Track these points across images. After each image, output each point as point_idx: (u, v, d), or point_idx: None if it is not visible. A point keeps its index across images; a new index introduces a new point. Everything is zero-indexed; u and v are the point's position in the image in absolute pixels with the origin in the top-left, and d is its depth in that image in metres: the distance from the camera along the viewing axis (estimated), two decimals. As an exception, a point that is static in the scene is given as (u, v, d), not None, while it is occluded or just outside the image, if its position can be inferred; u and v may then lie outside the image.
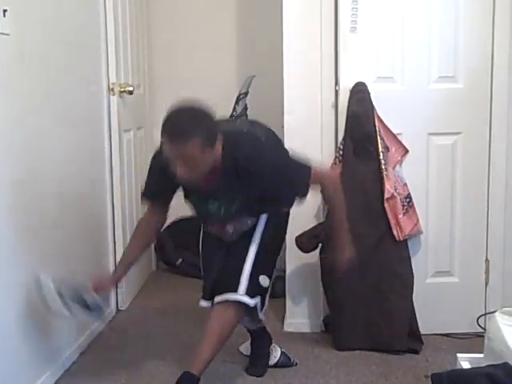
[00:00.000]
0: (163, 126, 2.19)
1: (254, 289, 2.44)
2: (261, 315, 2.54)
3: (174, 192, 2.51)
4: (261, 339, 2.79)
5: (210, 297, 2.52)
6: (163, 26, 4.34)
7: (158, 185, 2.48)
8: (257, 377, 2.69)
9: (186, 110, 2.24)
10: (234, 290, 2.41)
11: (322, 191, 2.50)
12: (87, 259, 3.09)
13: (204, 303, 2.59)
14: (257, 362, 2.76)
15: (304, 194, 2.42)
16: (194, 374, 2.32)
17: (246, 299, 2.41)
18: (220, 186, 2.36)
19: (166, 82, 4.32)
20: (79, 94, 3.02)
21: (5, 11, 2.19)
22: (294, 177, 2.41)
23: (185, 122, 2.18)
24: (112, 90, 3.39)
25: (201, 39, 4.28)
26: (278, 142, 2.58)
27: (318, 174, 2.45)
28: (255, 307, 2.46)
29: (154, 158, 2.48)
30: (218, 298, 2.44)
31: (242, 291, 2.41)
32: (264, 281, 2.48)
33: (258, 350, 2.78)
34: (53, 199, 2.67)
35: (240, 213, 2.47)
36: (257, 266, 2.47)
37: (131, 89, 3.53)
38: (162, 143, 2.24)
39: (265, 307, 2.55)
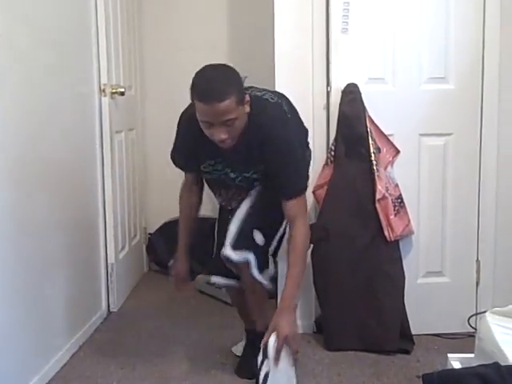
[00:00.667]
0: (196, 89, 2.19)
1: (242, 242, 2.46)
2: (259, 277, 2.51)
3: (197, 159, 2.52)
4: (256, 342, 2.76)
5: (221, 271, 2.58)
6: (154, 26, 4.35)
7: (188, 152, 2.50)
8: (248, 379, 2.67)
9: (216, 69, 2.25)
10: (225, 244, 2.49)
11: (290, 238, 2.43)
12: (78, 260, 3.08)
13: (217, 279, 2.65)
14: (248, 364, 2.73)
15: (299, 193, 2.42)
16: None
17: (229, 251, 2.44)
18: (241, 150, 2.35)
19: (157, 83, 4.34)
20: (70, 95, 3.01)
21: None
22: (303, 170, 2.45)
23: (219, 81, 2.19)
24: (103, 91, 3.38)
25: (192, 39, 4.29)
26: (300, 125, 2.60)
27: (304, 204, 2.45)
28: (248, 263, 2.46)
29: (182, 122, 2.49)
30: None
31: (228, 243, 2.46)
32: (258, 236, 2.49)
33: (250, 352, 2.76)
34: (43, 200, 2.66)
35: (253, 184, 2.48)
36: (248, 220, 2.49)
37: (123, 90, 3.53)
38: (190, 112, 2.29)
39: (268, 272, 2.55)
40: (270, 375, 2.25)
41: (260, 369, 2.30)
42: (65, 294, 2.89)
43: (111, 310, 3.52)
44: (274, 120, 2.38)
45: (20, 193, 2.46)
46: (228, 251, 2.46)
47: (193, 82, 2.22)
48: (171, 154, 2.61)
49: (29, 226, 2.52)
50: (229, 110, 2.17)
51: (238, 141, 2.32)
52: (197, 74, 2.24)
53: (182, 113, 2.51)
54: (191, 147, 2.47)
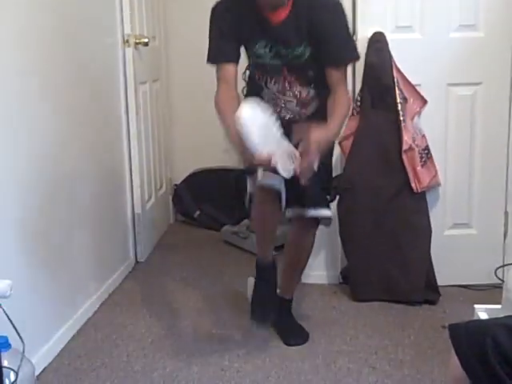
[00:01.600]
0: None
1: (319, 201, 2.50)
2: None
3: (240, 45, 2.42)
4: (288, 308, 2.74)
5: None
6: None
7: (231, 36, 2.38)
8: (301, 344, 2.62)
9: None
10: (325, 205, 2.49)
11: (331, 101, 2.36)
12: (105, 211, 3.12)
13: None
14: (294, 331, 2.69)
15: (350, 60, 2.45)
16: None
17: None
18: (289, 21, 2.30)
19: (181, 32, 4.27)
20: (94, 46, 3.00)
21: None
22: (352, 39, 2.45)
23: None
24: (127, 41, 3.35)
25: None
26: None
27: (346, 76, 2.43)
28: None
29: (217, 11, 2.39)
30: (312, 212, 2.46)
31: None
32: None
33: (288, 319, 2.73)
34: (70, 150, 2.68)
35: (301, 69, 2.41)
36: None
37: (146, 40, 3.50)
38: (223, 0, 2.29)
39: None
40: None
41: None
42: (93, 244, 2.94)
43: (139, 259, 3.57)
44: None
45: (50, 144, 2.48)
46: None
47: None
48: (208, 56, 2.43)
49: (59, 177, 2.56)
50: None
51: (285, 11, 2.28)
52: None
53: (214, 6, 2.40)
54: (233, 31, 2.36)
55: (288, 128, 2.33)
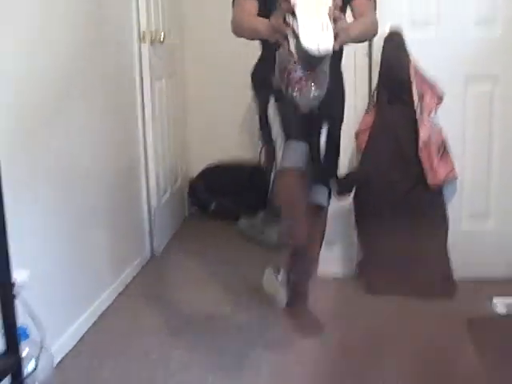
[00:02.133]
0: None
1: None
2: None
3: None
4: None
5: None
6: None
7: None
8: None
9: None
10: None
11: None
12: (121, 204, 3.14)
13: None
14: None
15: None
16: None
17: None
18: None
19: (196, 29, 4.28)
20: (110, 42, 3.02)
21: None
22: None
23: None
24: (143, 37, 3.37)
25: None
26: None
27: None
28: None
29: None
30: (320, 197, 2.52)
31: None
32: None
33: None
34: (88, 145, 2.71)
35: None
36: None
37: (162, 36, 3.51)
38: None
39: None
40: None
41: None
42: (110, 237, 2.97)
43: (154, 252, 3.60)
44: None
45: (67, 139, 2.51)
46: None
47: None
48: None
49: (76, 171, 2.58)
50: None
51: None
52: None
53: None
54: None
55: None
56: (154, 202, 3.57)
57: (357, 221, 3.00)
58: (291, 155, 2.34)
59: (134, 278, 3.23)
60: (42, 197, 2.31)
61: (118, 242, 3.07)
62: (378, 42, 2.94)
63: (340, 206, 3.04)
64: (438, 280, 2.93)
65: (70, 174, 2.53)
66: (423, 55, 2.93)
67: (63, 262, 2.48)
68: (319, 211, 2.59)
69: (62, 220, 2.47)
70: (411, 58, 2.91)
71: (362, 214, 2.98)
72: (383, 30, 2.92)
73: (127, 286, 3.11)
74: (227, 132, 4.33)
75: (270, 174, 2.49)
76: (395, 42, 2.93)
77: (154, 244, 3.59)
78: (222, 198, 4.20)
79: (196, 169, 4.36)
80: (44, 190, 2.32)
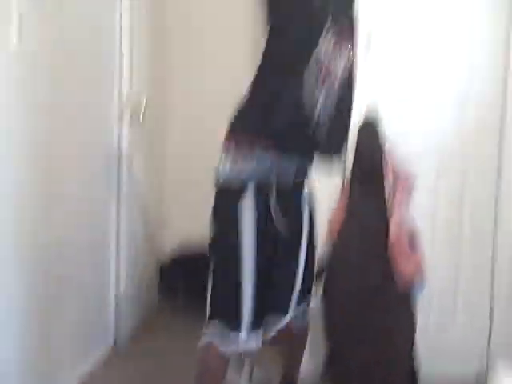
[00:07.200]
0: None
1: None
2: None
3: None
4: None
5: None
6: (180, 45, 4.31)
7: None
8: None
9: None
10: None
11: None
12: (88, 290, 3.06)
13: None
14: None
15: None
16: None
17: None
18: None
19: (180, 102, 4.28)
20: (91, 111, 3.00)
21: (20, 24, 2.19)
22: None
23: None
24: (125, 108, 3.35)
25: (217, 60, 4.20)
26: None
27: None
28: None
29: None
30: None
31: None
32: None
33: None
34: (59, 221, 2.66)
35: None
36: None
37: (144, 108, 3.46)
38: None
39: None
40: None
41: None
42: (72, 324, 2.87)
43: (118, 341, 3.46)
44: None
45: (36, 208, 2.45)
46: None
47: None
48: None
49: (44, 248, 2.52)
50: None
51: None
52: None
53: None
54: None
55: None
56: (121, 288, 3.48)
57: (323, 312, 2.91)
58: None
59: (95, 369, 3.09)
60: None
61: (80, 329, 2.96)
62: (354, 126, 2.95)
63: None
64: (405, 378, 2.82)
65: (35, 250, 2.46)
66: (397, 144, 2.92)
67: (18, 344, 2.37)
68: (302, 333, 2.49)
69: (24, 295, 2.38)
70: (385, 149, 2.90)
71: (329, 306, 2.89)
72: (360, 115, 2.95)
73: (87, 378, 2.96)
74: (203, 219, 4.28)
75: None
76: (370, 131, 2.92)
77: (119, 333, 3.47)
78: (193, 285, 4.10)
79: (169, 254, 4.29)
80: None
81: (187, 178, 4.26)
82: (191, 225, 4.23)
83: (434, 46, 3.03)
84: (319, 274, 2.84)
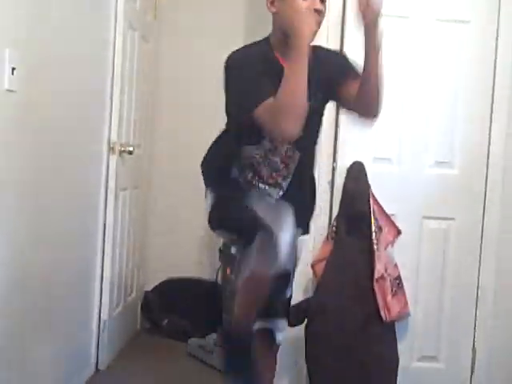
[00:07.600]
0: None
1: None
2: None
3: None
4: None
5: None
6: (168, 88, 4.40)
7: (259, 76, 2.14)
8: None
9: None
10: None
11: None
12: (71, 315, 3.06)
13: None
14: None
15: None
16: None
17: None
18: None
19: (166, 144, 4.38)
20: (80, 152, 3.03)
21: (13, 69, 2.22)
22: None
23: None
24: (113, 149, 3.41)
25: (204, 104, 4.26)
26: None
27: None
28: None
29: (239, 59, 2.21)
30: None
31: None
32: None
33: None
34: (43, 254, 2.65)
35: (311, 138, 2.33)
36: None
37: (131, 149, 3.56)
38: (241, 51, 2.21)
39: None
40: None
41: None
42: (54, 349, 2.84)
43: (99, 367, 3.46)
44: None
45: (22, 244, 2.46)
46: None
47: None
48: (242, 104, 2.17)
49: (28, 279, 2.52)
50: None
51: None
52: None
53: (232, 56, 2.21)
54: (259, 72, 2.14)
55: None
56: (104, 314, 3.48)
57: (307, 352, 2.94)
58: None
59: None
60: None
61: (62, 354, 2.94)
62: (341, 173, 3.01)
63: (290, 336, 3.01)
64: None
65: (27, 278, 2.46)
66: (383, 189, 3.01)
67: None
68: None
69: (2, 325, 2.35)
70: (371, 191, 2.97)
71: (314, 346, 2.92)
72: (346, 163, 3.01)
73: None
74: (187, 249, 4.34)
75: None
76: (357, 174, 3.00)
77: (100, 359, 3.47)
78: (176, 315, 4.12)
79: (152, 282, 4.31)
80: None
81: (172, 213, 4.35)
82: (175, 255, 4.31)
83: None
84: (305, 312, 2.88)
